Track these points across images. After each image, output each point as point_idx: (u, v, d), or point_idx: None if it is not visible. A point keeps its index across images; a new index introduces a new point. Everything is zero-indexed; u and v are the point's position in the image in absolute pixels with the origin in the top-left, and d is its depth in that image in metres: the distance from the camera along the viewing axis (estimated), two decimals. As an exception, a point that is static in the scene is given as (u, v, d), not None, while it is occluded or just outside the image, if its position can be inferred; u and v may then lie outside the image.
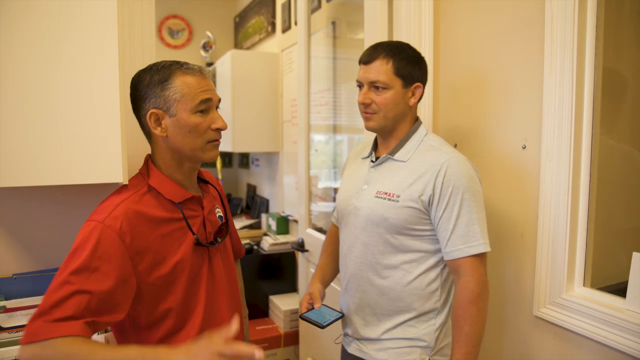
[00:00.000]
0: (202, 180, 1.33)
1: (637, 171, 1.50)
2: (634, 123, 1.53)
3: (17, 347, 1.12)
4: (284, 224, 3.47)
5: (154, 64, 1.16)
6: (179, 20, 4.59)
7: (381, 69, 1.38)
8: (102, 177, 1.22)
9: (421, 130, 1.46)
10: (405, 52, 1.41)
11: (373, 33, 1.98)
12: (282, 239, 3.33)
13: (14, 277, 1.40)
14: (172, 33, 4.58)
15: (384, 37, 1.95)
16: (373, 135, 1.54)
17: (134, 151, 1.35)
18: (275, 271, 3.29)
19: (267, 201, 3.90)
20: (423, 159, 1.38)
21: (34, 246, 1.46)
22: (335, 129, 2.85)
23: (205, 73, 1.17)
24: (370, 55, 1.41)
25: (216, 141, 1.20)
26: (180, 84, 1.12)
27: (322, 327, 1.40)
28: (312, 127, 2.79)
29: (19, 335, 1.27)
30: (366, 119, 1.44)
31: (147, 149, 1.26)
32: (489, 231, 1.39)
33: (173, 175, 1.20)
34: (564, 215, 1.36)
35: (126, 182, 1.20)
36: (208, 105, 1.16)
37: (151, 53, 1.48)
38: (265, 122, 3.59)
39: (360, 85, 1.44)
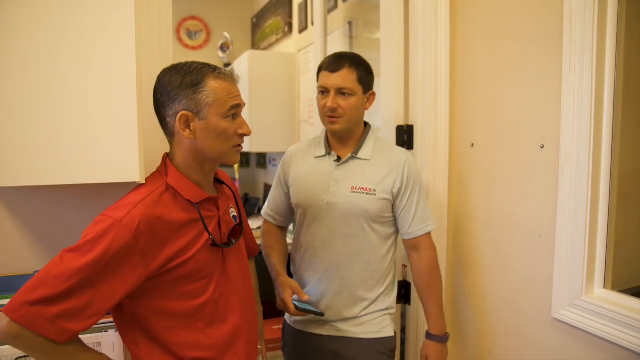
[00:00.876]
0: (217, 181, 1.34)
1: (659, 171, 1.47)
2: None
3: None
4: (301, 223, 3.47)
5: (183, 65, 1.16)
6: (197, 22, 4.63)
7: (348, 77, 1.53)
8: (120, 176, 1.23)
9: (372, 133, 1.65)
10: (364, 64, 1.59)
11: (389, 33, 1.97)
12: (298, 238, 3.33)
13: (35, 273, 1.42)
14: (190, 34, 4.62)
15: (400, 37, 1.94)
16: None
17: (151, 150, 1.36)
18: (290, 270, 3.29)
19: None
20: (386, 157, 1.60)
21: (54, 244, 1.48)
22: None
23: (235, 79, 1.20)
24: (337, 65, 1.55)
25: (239, 146, 1.22)
26: (212, 88, 1.13)
27: (322, 315, 1.55)
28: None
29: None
30: (331, 122, 1.57)
31: (164, 148, 1.27)
32: (506, 232, 1.57)
33: (192, 175, 1.20)
34: (583, 216, 1.33)
35: (143, 181, 1.21)
36: (237, 111, 1.18)
37: (168, 54, 1.49)
38: (282, 122, 3.60)
39: (324, 91, 1.57)
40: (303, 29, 3.38)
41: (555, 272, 1.42)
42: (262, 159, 4.57)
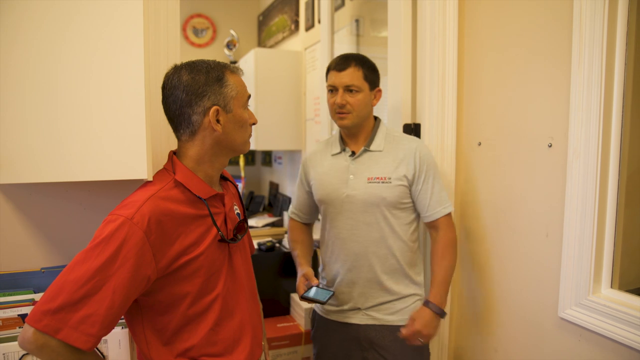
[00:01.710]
0: (222, 178, 1.35)
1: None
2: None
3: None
4: (306, 222, 3.47)
5: (198, 63, 1.18)
6: (204, 19, 4.63)
7: (354, 75, 1.65)
8: (127, 173, 1.24)
9: (383, 125, 1.75)
10: (369, 62, 1.70)
11: (397, 31, 1.96)
12: (304, 237, 3.33)
13: (43, 271, 1.43)
14: (197, 32, 4.62)
15: (407, 36, 1.93)
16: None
17: (157, 148, 1.37)
18: (296, 269, 3.29)
19: (289, 199, 3.91)
20: (397, 146, 1.69)
21: (62, 241, 1.49)
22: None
23: (243, 73, 1.26)
24: (344, 64, 1.66)
25: (250, 135, 1.28)
26: (234, 81, 1.19)
27: (323, 303, 1.57)
28: (335, 125, 2.79)
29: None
30: (340, 118, 1.68)
31: (169, 146, 1.27)
32: (513, 231, 1.59)
33: (205, 170, 1.22)
34: (590, 215, 1.33)
35: (150, 179, 1.22)
36: (248, 102, 1.24)
37: (176, 51, 1.49)
38: (288, 120, 3.60)
39: (332, 90, 1.68)
40: (310, 26, 3.38)
41: (562, 272, 1.41)
42: (267, 157, 4.58)
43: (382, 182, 1.64)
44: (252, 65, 3.53)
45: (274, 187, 4.34)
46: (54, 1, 1.20)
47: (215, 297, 1.20)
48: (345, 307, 1.73)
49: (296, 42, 3.69)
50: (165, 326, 1.16)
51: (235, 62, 4.30)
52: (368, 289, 1.69)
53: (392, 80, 2.01)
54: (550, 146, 1.46)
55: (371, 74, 1.68)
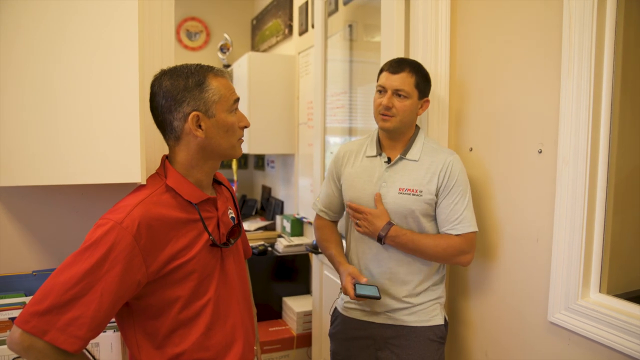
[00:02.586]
0: (215, 182, 1.35)
1: (656, 177, 1.48)
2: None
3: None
4: (299, 226, 3.48)
5: (180, 68, 1.18)
6: (197, 23, 4.64)
7: (406, 80, 1.62)
8: (121, 177, 1.24)
9: (422, 135, 1.72)
10: (423, 71, 1.68)
11: (390, 36, 1.98)
12: (296, 240, 3.34)
13: (34, 273, 1.43)
14: (190, 35, 4.63)
15: (400, 40, 1.95)
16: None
17: (151, 152, 1.37)
18: (289, 273, 3.30)
19: (282, 203, 3.92)
20: (433, 159, 1.65)
21: (53, 244, 1.49)
22: (351, 132, 2.86)
23: (230, 76, 1.24)
24: (398, 67, 1.64)
25: (241, 139, 1.26)
26: (216, 85, 1.17)
27: (379, 298, 1.57)
28: (328, 129, 2.80)
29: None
30: (384, 120, 1.65)
31: (163, 150, 1.27)
32: (503, 236, 1.60)
33: (195, 175, 1.22)
34: (580, 221, 1.34)
35: (144, 182, 1.22)
36: (237, 105, 1.23)
37: (170, 54, 1.50)
38: (281, 124, 3.61)
39: (381, 90, 1.66)
40: (303, 31, 3.39)
41: (552, 276, 1.43)
42: (260, 161, 4.58)
43: (413, 195, 1.62)
44: (245, 69, 3.53)
45: (267, 190, 4.34)
46: (50, 4, 1.20)
47: (207, 302, 1.20)
48: (369, 309, 1.74)
49: (290, 47, 3.70)
50: (157, 330, 1.16)
51: (228, 66, 4.30)
52: (388, 293, 1.68)
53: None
54: (541, 152, 1.48)
55: (423, 82, 1.66)
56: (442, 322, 1.69)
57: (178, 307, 1.16)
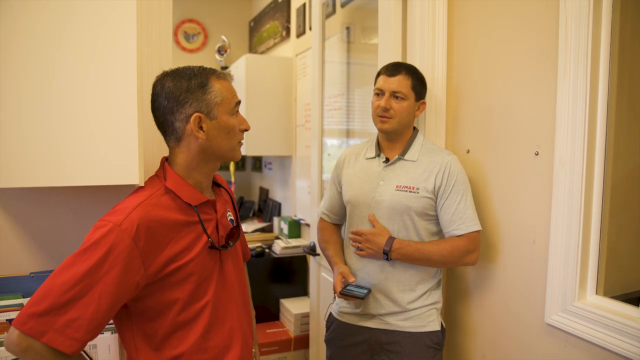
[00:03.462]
0: (215, 184, 1.35)
1: (652, 179, 1.49)
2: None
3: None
4: (296, 227, 3.48)
5: (183, 69, 1.18)
6: (195, 24, 4.64)
7: (403, 83, 1.67)
8: (119, 178, 1.24)
9: (420, 136, 1.76)
10: (419, 74, 1.73)
11: (387, 38, 1.98)
12: (293, 242, 3.34)
13: (31, 275, 1.42)
14: (188, 37, 4.63)
15: (397, 42, 1.96)
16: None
17: (149, 153, 1.37)
18: (286, 274, 3.30)
19: (279, 205, 3.92)
20: (430, 159, 1.68)
21: (51, 246, 1.49)
22: (348, 134, 2.86)
23: (232, 79, 1.25)
24: (395, 70, 1.69)
25: (241, 142, 1.26)
26: (219, 88, 1.17)
27: (362, 298, 1.62)
28: (325, 131, 2.80)
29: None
30: (382, 122, 1.69)
31: (161, 151, 1.27)
32: (500, 238, 1.61)
33: (194, 177, 1.22)
34: (576, 222, 1.35)
35: (142, 184, 1.22)
36: (238, 107, 1.23)
37: (168, 56, 1.50)
38: (279, 126, 3.61)
39: (379, 93, 1.71)
40: (301, 33, 3.39)
41: (549, 278, 1.43)
42: (257, 163, 4.58)
43: (410, 192, 1.65)
44: (243, 71, 3.54)
45: (264, 192, 4.34)
46: (47, 5, 1.20)
47: (206, 304, 1.20)
48: (359, 311, 1.75)
49: (287, 49, 3.71)
50: (155, 332, 1.16)
51: (226, 68, 4.31)
52: (383, 295, 1.69)
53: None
54: (537, 154, 1.48)
55: (419, 85, 1.70)
56: (438, 327, 1.69)
57: (176, 310, 1.16)
